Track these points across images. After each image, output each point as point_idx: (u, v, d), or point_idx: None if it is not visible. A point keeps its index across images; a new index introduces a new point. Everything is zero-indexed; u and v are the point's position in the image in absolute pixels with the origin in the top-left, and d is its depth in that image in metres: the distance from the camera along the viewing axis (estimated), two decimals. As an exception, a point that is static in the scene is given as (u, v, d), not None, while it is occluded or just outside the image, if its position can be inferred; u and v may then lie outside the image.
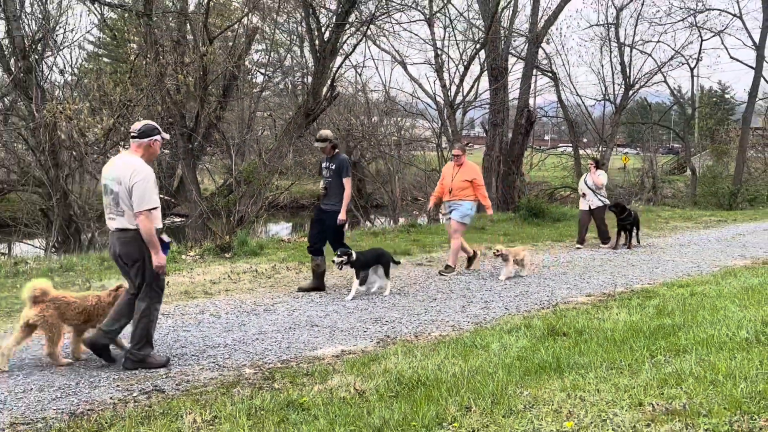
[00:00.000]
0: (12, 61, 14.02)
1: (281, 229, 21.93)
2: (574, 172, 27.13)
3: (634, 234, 12.25)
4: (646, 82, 27.84)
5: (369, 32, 17.93)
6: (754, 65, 28.52)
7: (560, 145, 41.59)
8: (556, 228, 14.83)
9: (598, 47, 32.52)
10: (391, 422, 3.60)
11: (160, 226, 5.04)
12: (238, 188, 13.32)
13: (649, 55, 27.83)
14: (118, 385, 4.69)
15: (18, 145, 15.59)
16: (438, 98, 20.66)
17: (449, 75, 20.40)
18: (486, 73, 20.67)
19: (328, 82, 15.59)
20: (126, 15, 15.99)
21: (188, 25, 15.50)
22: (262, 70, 22.79)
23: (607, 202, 12.20)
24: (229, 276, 8.78)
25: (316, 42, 15.15)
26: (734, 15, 29.77)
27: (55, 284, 7.99)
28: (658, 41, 34.83)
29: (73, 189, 13.84)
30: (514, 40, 22.51)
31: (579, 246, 12.08)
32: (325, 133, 8.10)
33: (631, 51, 26.74)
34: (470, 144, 25.99)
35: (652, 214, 18.76)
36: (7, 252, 14.88)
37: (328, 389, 4.33)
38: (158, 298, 5.13)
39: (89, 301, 5.20)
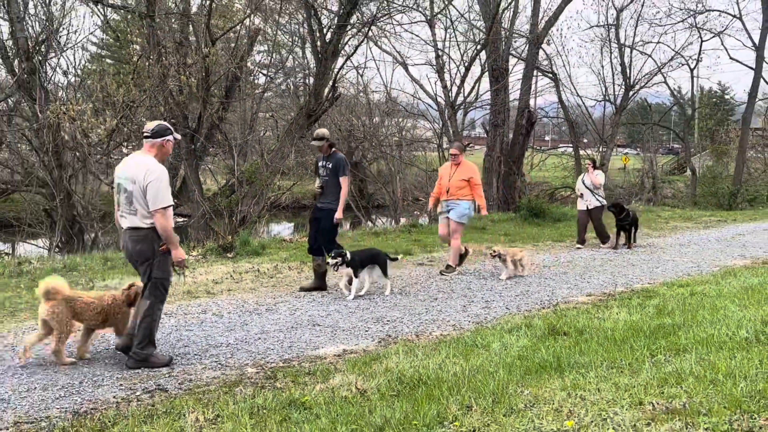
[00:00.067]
0: (16, 62, 14.07)
1: (283, 229, 21.97)
2: (574, 173, 27.16)
3: (628, 235, 12.20)
4: (646, 83, 27.90)
5: (370, 33, 17.94)
6: (753, 66, 28.56)
7: (561, 145, 41.63)
8: (556, 228, 14.84)
9: (599, 48, 32.74)
10: (393, 421, 3.60)
11: (173, 225, 5.11)
12: (241, 188, 13.35)
13: (649, 56, 28.03)
14: (121, 384, 4.72)
15: (22, 146, 15.65)
16: (439, 99, 20.73)
17: (450, 76, 20.50)
18: (487, 73, 20.72)
19: (330, 83, 15.62)
20: (129, 16, 16.05)
21: (191, 26, 15.49)
22: (264, 71, 22.84)
23: (605, 202, 12.20)
24: (231, 276, 8.81)
25: (318, 43, 15.17)
26: (734, 16, 29.92)
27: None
28: (658, 42, 34.95)
29: (76, 189, 13.89)
30: (515, 41, 22.57)
31: (579, 246, 12.10)
32: (322, 131, 8.09)
33: (631, 52, 26.80)
34: (471, 144, 26.02)
35: (652, 214, 18.78)
36: (11, 252, 14.87)
37: (329, 388, 4.34)
38: (162, 298, 5.18)
39: (106, 300, 5.27)
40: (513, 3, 21.00)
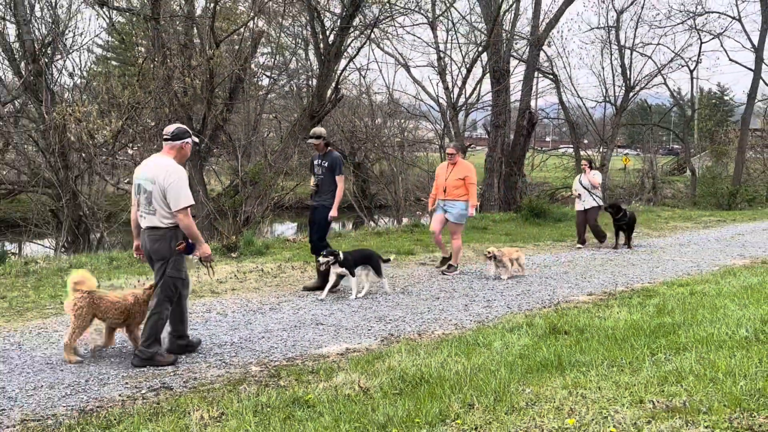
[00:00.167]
0: (22, 64, 14.05)
1: (286, 229, 22.05)
2: (575, 173, 27.23)
3: (626, 234, 12.22)
4: (646, 84, 27.89)
5: (373, 35, 17.95)
6: (753, 67, 28.66)
7: (561, 146, 41.63)
8: (557, 228, 14.89)
9: (599, 50, 32.83)
10: (395, 419, 3.60)
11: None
12: (244, 189, 13.44)
13: (649, 57, 27.92)
14: (126, 383, 4.74)
15: (28, 147, 15.64)
16: (441, 100, 20.79)
17: (452, 77, 20.54)
18: (488, 75, 20.72)
19: (333, 84, 15.69)
20: (134, 19, 16.09)
21: (195, 28, 15.59)
22: (268, 73, 22.91)
23: (602, 202, 12.21)
24: (235, 275, 8.84)
25: (321, 45, 15.24)
26: (733, 18, 29.92)
27: (65, 283, 8.19)
28: (658, 44, 34.96)
29: (82, 190, 13.89)
30: (516, 43, 22.59)
31: (580, 246, 12.16)
32: (319, 130, 8.06)
33: (631, 53, 26.82)
34: (473, 145, 26.09)
35: (652, 215, 18.84)
36: (17, 252, 14.93)
37: (333, 387, 4.35)
38: (172, 297, 5.26)
39: (128, 299, 5.35)
40: (514, 5, 21.07)
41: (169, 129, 5.32)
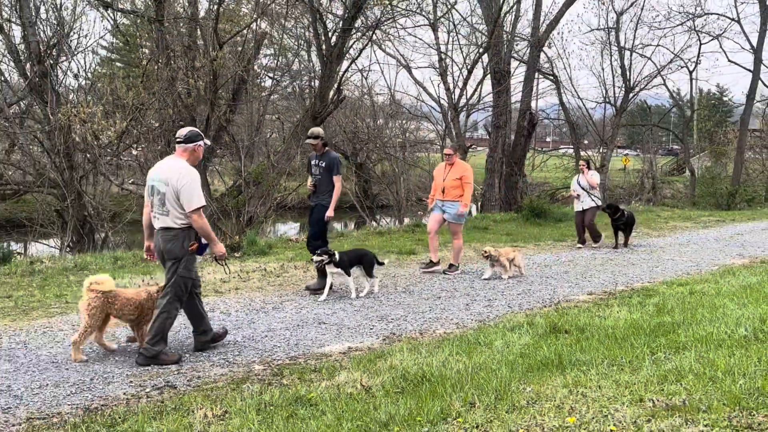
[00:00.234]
0: (28, 65, 14.06)
1: (289, 229, 22.13)
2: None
3: (625, 234, 12.26)
4: (646, 85, 27.99)
5: (374, 37, 18.04)
6: (751, 68, 28.70)
7: (562, 146, 41.70)
8: (557, 228, 14.95)
9: (599, 51, 32.91)
10: (397, 417, 3.62)
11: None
12: (248, 189, 13.46)
13: (649, 58, 27.99)
14: (131, 381, 4.78)
15: (34, 148, 15.63)
16: (442, 101, 20.86)
17: (453, 78, 20.62)
18: (489, 76, 20.81)
19: (335, 85, 15.74)
20: (138, 21, 16.20)
21: (199, 30, 15.63)
22: (271, 74, 23.03)
23: (600, 203, 12.25)
24: (238, 275, 8.89)
25: (323, 47, 15.28)
26: (732, 19, 29.99)
27: (70, 283, 8.31)
28: (658, 45, 35.18)
29: (87, 190, 13.86)
30: (517, 44, 22.70)
31: (580, 246, 12.21)
32: (317, 130, 8.07)
33: (631, 54, 26.89)
34: (474, 146, 26.17)
35: (652, 214, 18.90)
36: (23, 251, 15.01)
37: (335, 385, 4.38)
38: (182, 297, 5.33)
39: (142, 295, 5.47)
40: (515, 7, 21.11)
41: (182, 132, 5.40)
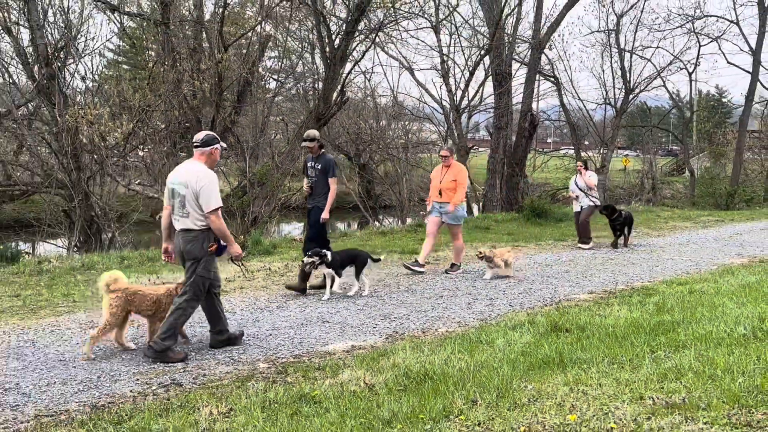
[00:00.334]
0: (36, 68, 14.13)
1: (293, 228, 22.17)
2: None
3: (621, 235, 12.29)
4: (646, 87, 28.02)
5: (377, 39, 18.12)
6: (750, 70, 28.76)
7: (562, 147, 41.82)
8: (558, 228, 15.01)
9: (599, 53, 32.95)
10: (400, 415, 3.64)
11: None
12: (252, 190, 13.53)
13: (649, 60, 28.08)
14: (137, 379, 4.83)
15: (41, 149, 15.70)
16: (444, 102, 20.88)
17: (455, 80, 20.62)
18: (490, 78, 20.87)
19: (338, 87, 15.84)
20: (145, 24, 16.29)
21: (204, 33, 15.75)
22: (275, 76, 23.03)
23: (598, 203, 12.29)
24: (243, 274, 8.92)
25: (327, 49, 15.38)
26: (731, 21, 30.01)
27: (77, 282, 8.43)
28: (657, 47, 34.81)
29: (94, 191, 13.89)
30: (518, 47, 22.74)
31: (580, 246, 12.36)
32: (313, 132, 8.09)
33: (631, 56, 26.92)
34: (475, 147, 26.30)
35: (652, 215, 18.94)
36: (31, 251, 15.08)
37: (339, 383, 4.40)
38: (199, 296, 5.47)
39: (161, 291, 5.61)
40: (516, 9, 21.19)
41: (199, 136, 5.56)
